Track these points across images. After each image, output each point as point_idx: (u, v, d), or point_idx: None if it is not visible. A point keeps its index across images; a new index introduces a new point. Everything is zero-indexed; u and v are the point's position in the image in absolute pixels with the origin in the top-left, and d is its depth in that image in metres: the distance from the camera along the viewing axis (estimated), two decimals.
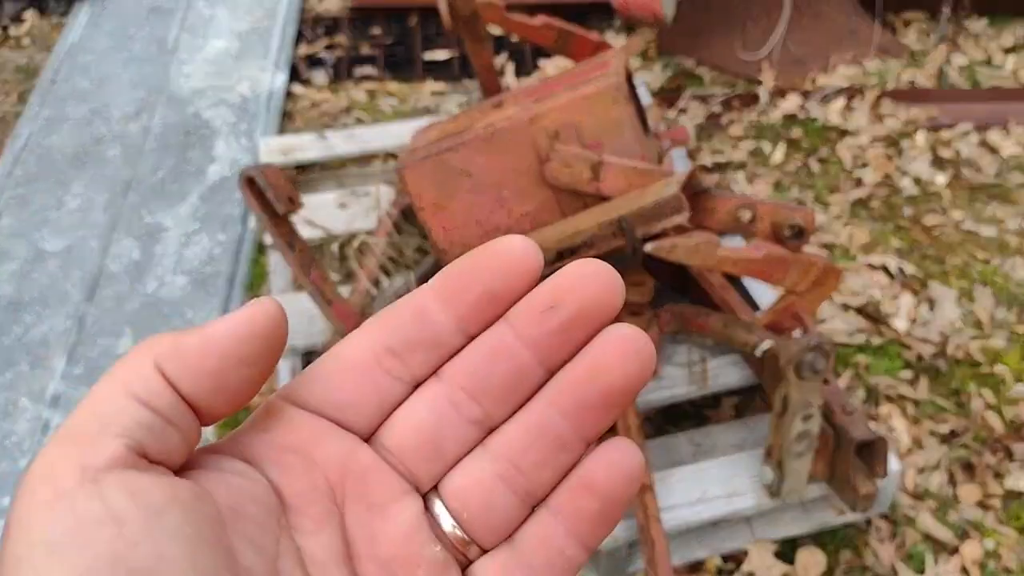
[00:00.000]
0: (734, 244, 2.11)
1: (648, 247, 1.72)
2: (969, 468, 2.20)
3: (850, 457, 1.81)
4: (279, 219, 1.76)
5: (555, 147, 1.89)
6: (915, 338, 2.45)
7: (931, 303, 2.56)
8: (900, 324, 2.48)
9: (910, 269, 2.64)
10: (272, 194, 1.72)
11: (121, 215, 2.91)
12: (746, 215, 1.83)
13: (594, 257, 1.56)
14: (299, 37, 3.77)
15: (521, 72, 3.56)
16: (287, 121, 3.36)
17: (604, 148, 1.90)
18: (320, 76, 3.57)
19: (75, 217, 2.92)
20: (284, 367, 2.18)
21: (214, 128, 3.27)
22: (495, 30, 2.87)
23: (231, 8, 3.89)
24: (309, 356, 2.21)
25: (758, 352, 1.81)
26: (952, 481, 2.18)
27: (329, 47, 3.74)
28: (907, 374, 2.38)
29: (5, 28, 3.88)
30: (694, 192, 1.83)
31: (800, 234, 1.80)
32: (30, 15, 3.91)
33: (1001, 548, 2.04)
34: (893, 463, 1.89)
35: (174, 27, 3.76)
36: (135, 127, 3.26)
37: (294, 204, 1.77)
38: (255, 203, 1.73)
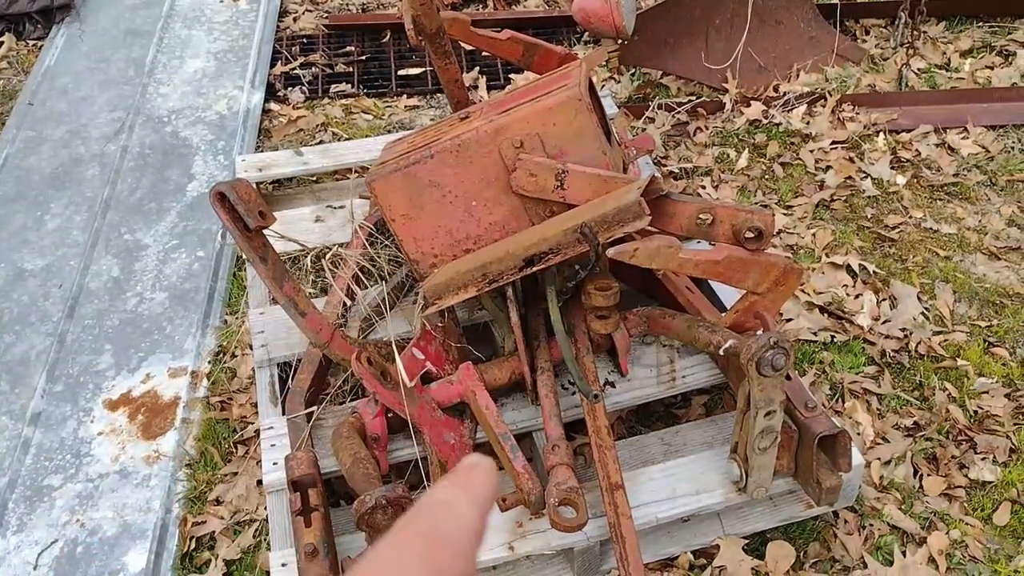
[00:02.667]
0: (697, 248, 2.17)
1: (610, 252, 1.77)
2: (933, 460, 2.26)
3: (813, 451, 1.86)
4: (251, 233, 1.81)
5: (520, 157, 1.94)
6: (878, 334, 2.52)
7: (893, 300, 2.63)
8: (863, 321, 2.55)
9: (872, 267, 2.71)
10: (243, 209, 1.76)
11: (100, 233, 2.95)
12: (707, 219, 1.89)
13: (561, 263, 1.59)
14: (275, 56, 3.82)
15: (493, 86, 3.62)
16: (264, 138, 3.41)
17: (568, 157, 1.96)
18: (297, 93, 3.62)
19: (54, 236, 2.95)
20: (262, 377, 2.22)
21: (192, 146, 3.31)
22: (467, 45, 2.93)
23: (207, 29, 3.94)
24: (286, 367, 2.25)
25: (721, 351, 1.86)
26: (917, 473, 2.23)
27: (305, 65, 3.79)
28: (871, 369, 2.45)
29: None
30: (655, 197, 1.89)
31: (760, 236, 1.86)
32: (7, 38, 3.95)
33: (967, 537, 2.10)
34: (857, 456, 1.94)
35: (151, 48, 3.80)
36: (113, 147, 3.31)
37: (266, 218, 1.81)
38: (227, 218, 1.78)
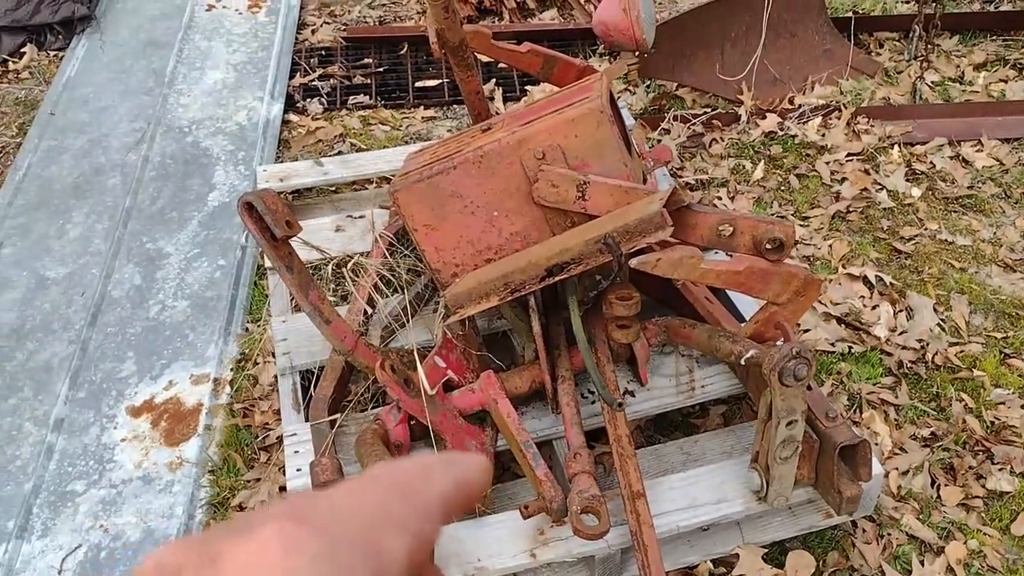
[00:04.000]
0: (718, 258, 2.19)
1: (633, 262, 1.80)
2: (951, 470, 2.27)
3: (834, 461, 1.87)
4: (278, 242, 1.83)
5: (542, 168, 1.97)
6: (895, 345, 2.53)
7: (910, 311, 2.64)
8: (880, 332, 2.56)
9: (889, 279, 2.73)
10: (271, 219, 1.79)
11: (122, 242, 2.98)
12: (727, 230, 1.91)
13: (582, 273, 1.62)
14: (294, 67, 3.86)
15: (509, 98, 3.65)
16: (284, 148, 3.45)
17: (589, 168, 1.98)
18: (315, 105, 3.66)
19: (76, 245, 2.99)
20: (284, 384, 2.25)
21: (213, 156, 3.35)
22: (484, 57, 2.96)
23: (227, 41, 3.98)
24: (307, 375, 2.28)
25: (742, 361, 1.88)
26: (935, 483, 2.25)
27: (323, 77, 3.83)
28: (888, 380, 2.46)
29: (4, 62, 3.96)
30: (676, 208, 1.91)
31: (780, 247, 1.87)
32: (29, 49, 3.99)
33: (985, 548, 2.11)
34: (876, 466, 1.96)
35: (171, 59, 3.84)
36: (134, 157, 3.34)
37: (292, 228, 1.84)
38: (254, 227, 1.80)
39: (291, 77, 3.80)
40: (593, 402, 2.13)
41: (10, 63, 3.96)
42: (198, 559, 0.30)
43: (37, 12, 3.99)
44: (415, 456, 0.41)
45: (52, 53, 4.02)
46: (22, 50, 4.00)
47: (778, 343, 1.94)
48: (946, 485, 2.24)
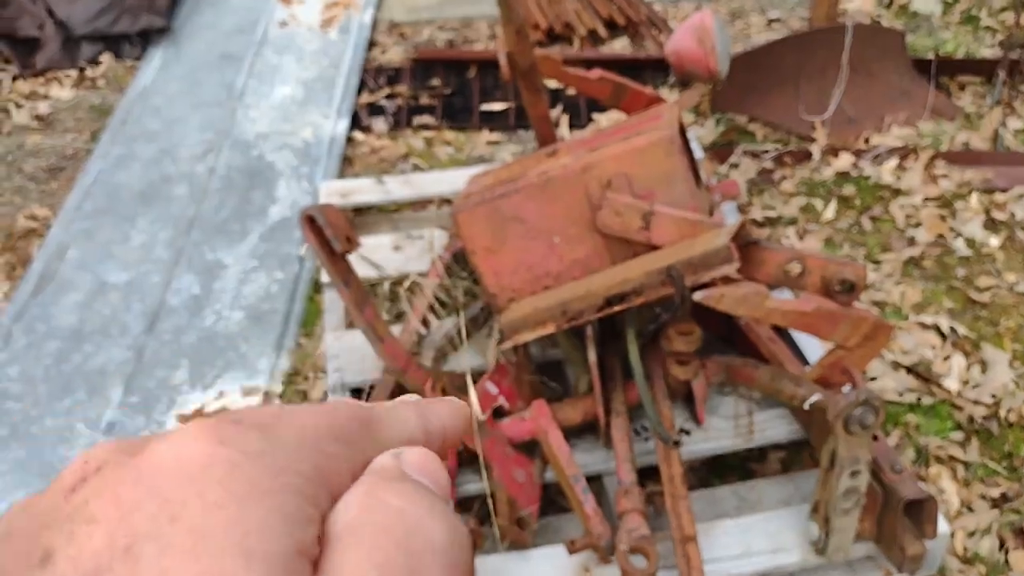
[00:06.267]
0: (784, 297, 2.12)
1: (697, 296, 1.74)
2: (1021, 534, 2.16)
3: (898, 516, 1.79)
4: (336, 257, 1.82)
5: (607, 196, 1.92)
6: (967, 399, 2.42)
7: (983, 365, 2.53)
8: (952, 385, 2.45)
9: (962, 330, 2.62)
10: (331, 232, 1.77)
11: (183, 251, 3.00)
12: (796, 268, 1.84)
13: (642, 305, 1.56)
14: (361, 86, 3.88)
15: (575, 124, 3.62)
16: (347, 166, 3.45)
17: (656, 198, 1.93)
18: (380, 123, 3.67)
19: (139, 252, 3.01)
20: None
21: (277, 171, 3.37)
22: (551, 83, 2.93)
23: (298, 57, 4.02)
24: (358, 392, 2.25)
25: (806, 405, 1.80)
26: (1003, 546, 2.13)
27: (390, 96, 3.84)
28: (958, 435, 2.35)
29: (82, 69, 4.05)
30: (744, 244, 1.85)
31: (851, 289, 1.80)
32: (106, 58, 4.08)
33: None
34: (942, 524, 1.86)
35: (242, 73, 3.89)
36: (201, 168, 3.38)
37: (352, 243, 1.82)
38: (314, 241, 1.79)
39: (358, 95, 3.82)
40: (646, 439, 2.07)
41: (88, 71, 4.05)
42: (122, 453, 0.28)
43: (117, 22, 4.08)
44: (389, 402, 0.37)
45: (128, 63, 4.10)
46: (100, 58, 4.08)
47: (844, 389, 1.86)
48: (1015, 549, 2.13)
